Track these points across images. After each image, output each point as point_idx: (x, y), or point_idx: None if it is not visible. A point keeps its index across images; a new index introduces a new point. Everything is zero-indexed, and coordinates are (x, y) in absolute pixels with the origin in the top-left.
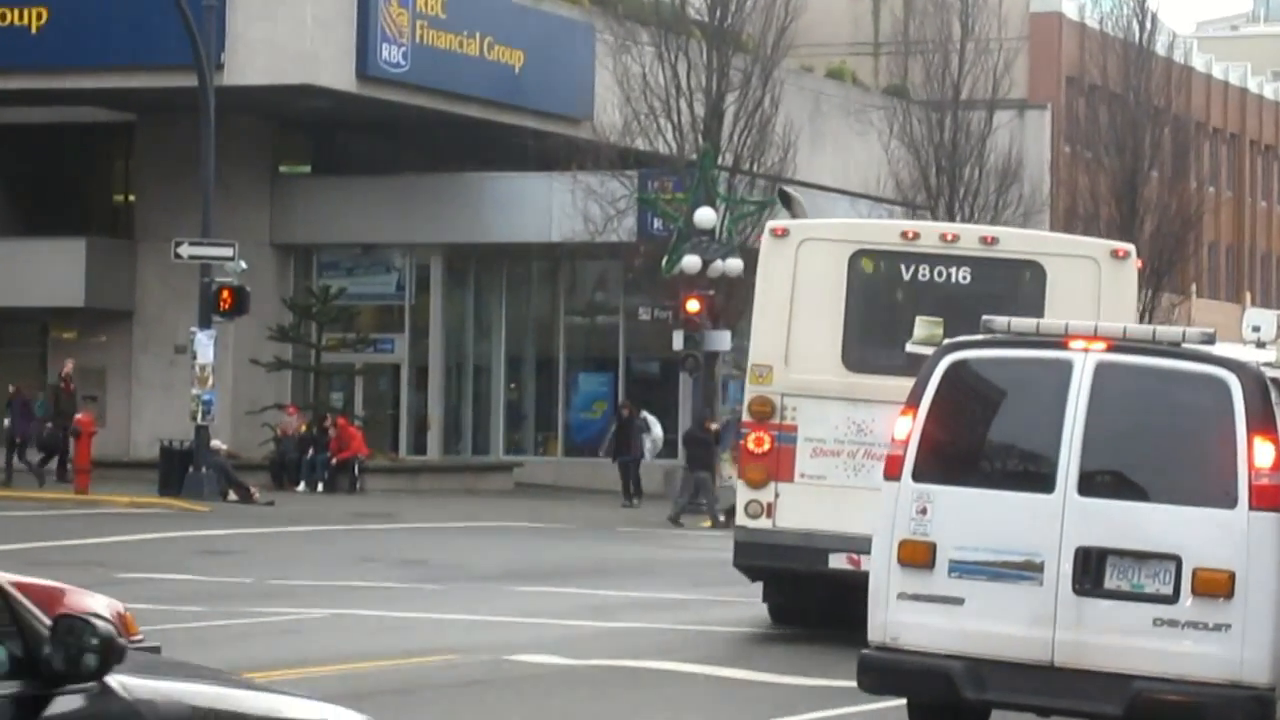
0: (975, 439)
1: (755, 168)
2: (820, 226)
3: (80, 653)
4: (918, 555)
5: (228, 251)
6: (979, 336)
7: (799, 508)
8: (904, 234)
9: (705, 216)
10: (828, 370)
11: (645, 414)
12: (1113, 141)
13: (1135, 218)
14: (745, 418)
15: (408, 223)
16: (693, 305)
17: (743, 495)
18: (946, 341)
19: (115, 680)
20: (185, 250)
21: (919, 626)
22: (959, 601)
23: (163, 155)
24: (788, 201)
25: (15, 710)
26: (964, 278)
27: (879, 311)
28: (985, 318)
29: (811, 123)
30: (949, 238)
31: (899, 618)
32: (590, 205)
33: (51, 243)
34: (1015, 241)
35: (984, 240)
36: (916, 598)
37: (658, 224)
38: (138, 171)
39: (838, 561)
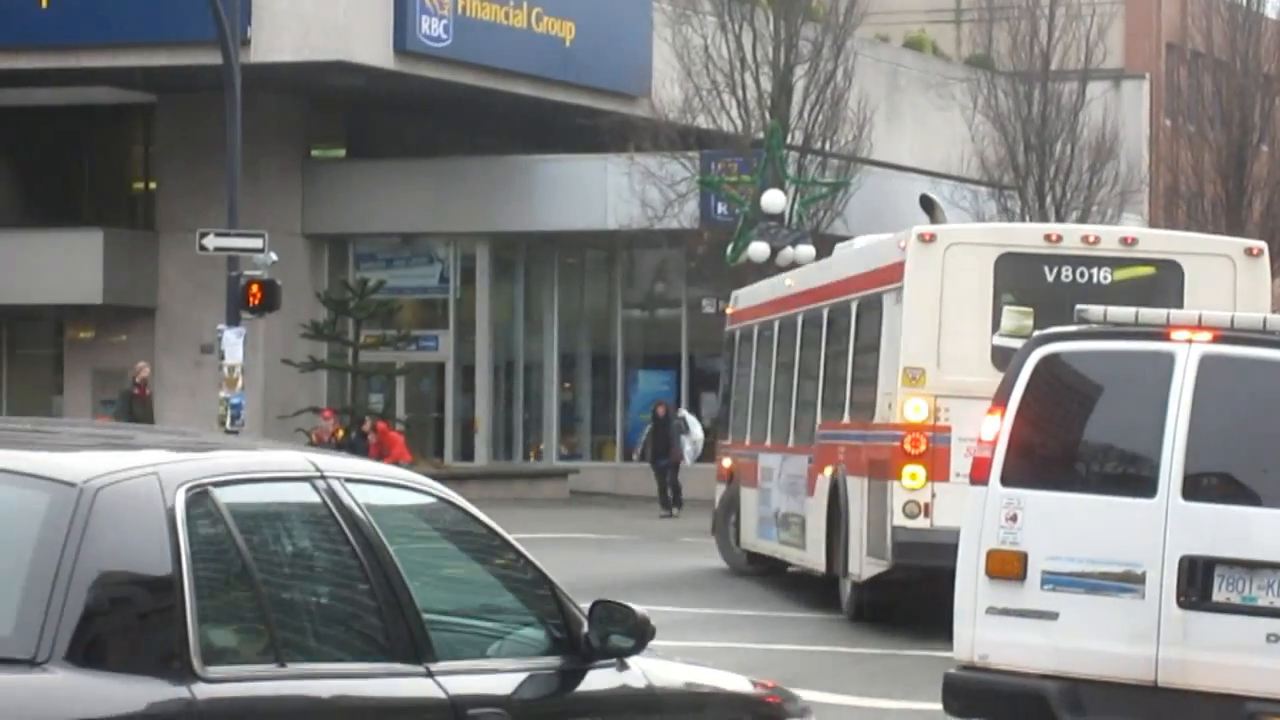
0: (1069, 439)
1: (827, 146)
2: (966, 231)
3: (611, 634)
4: (1007, 566)
5: (256, 243)
6: (1072, 328)
7: (956, 506)
8: (1047, 236)
9: (773, 200)
10: (977, 371)
11: (684, 413)
12: (1218, 113)
13: (1243, 196)
14: (897, 419)
15: (451, 210)
16: None
17: (900, 496)
18: (1037, 334)
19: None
20: (210, 242)
21: (1009, 644)
22: (1053, 616)
23: (185, 139)
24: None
25: (560, 681)
26: (1104, 278)
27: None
28: (1079, 307)
29: (888, 97)
30: (1090, 239)
31: (988, 635)
32: (648, 189)
33: (66, 235)
34: (1153, 241)
35: (1124, 241)
36: (1006, 613)
37: (722, 209)
38: (158, 157)
39: None
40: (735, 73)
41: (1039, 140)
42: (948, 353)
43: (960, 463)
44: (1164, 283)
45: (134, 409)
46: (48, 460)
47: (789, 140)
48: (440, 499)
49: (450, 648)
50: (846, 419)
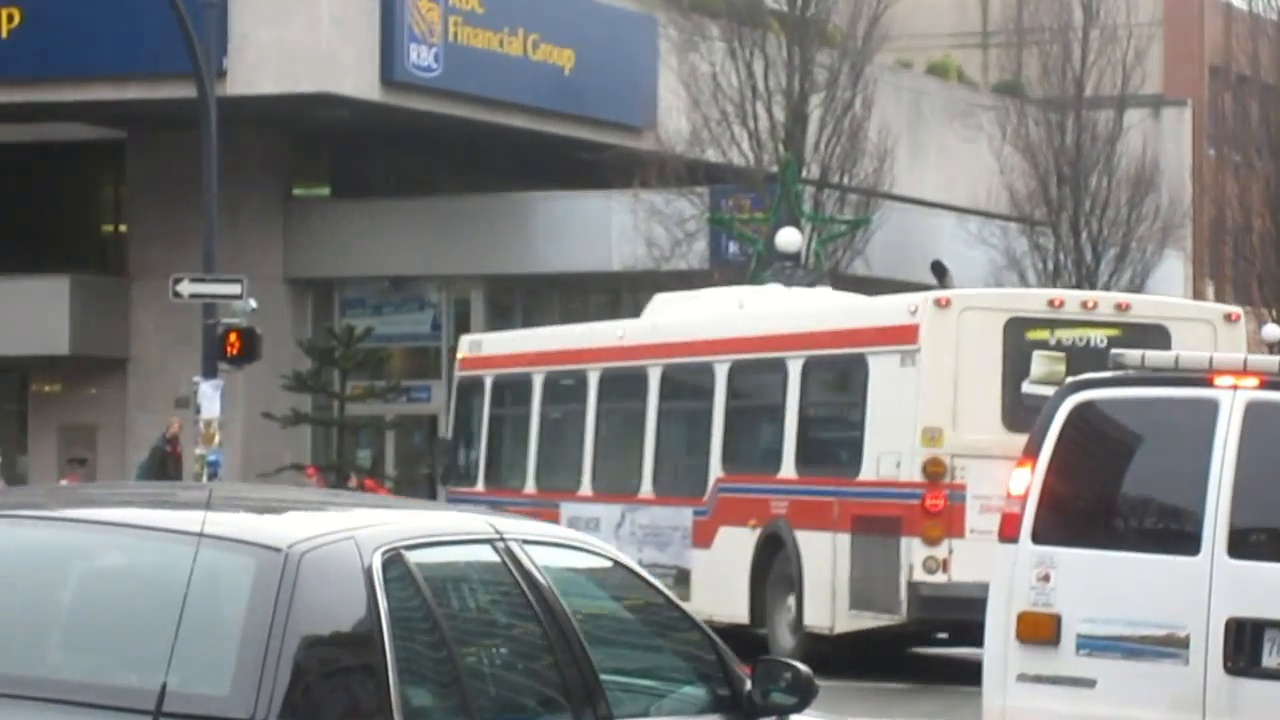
0: (1105, 493)
1: (846, 180)
2: (978, 296)
3: (773, 691)
4: (1040, 629)
5: (235, 289)
6: (1107, 374)
7: (971, 562)
8: (1050, 302)
9: (789, 238)
10: (990, 430)
11: None
12: (1265, 141)
13: None
14: (918, 478)
15: (444, 251)
16: None
17: (920, 552)
18: (1070, 380)
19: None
20: (185, 288)
21: (1043, 713)
22: (1090, 684)
23: (158, 178)
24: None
25: None
26: (1101, 342)
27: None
28: (1115, 352)
29: (910, 127)
30: (1089, 305)
31: (1019, 703)
32: (655, 228)
33: (30, 282)
34: (1144, 307)
35: (1118, 306)
36: (1039, 679)
37: (734, 248)
38: (129, 197)
39: None
40: (746, 102)
41: (1073, 172)
42: (962, 413)
43: (976, 519)
44: (1153, 346)
45: (166, 466)
46: (251, 525)
47: (804, 174)
48: (609, 559)
49: (622, 705)
50: (790, 474)
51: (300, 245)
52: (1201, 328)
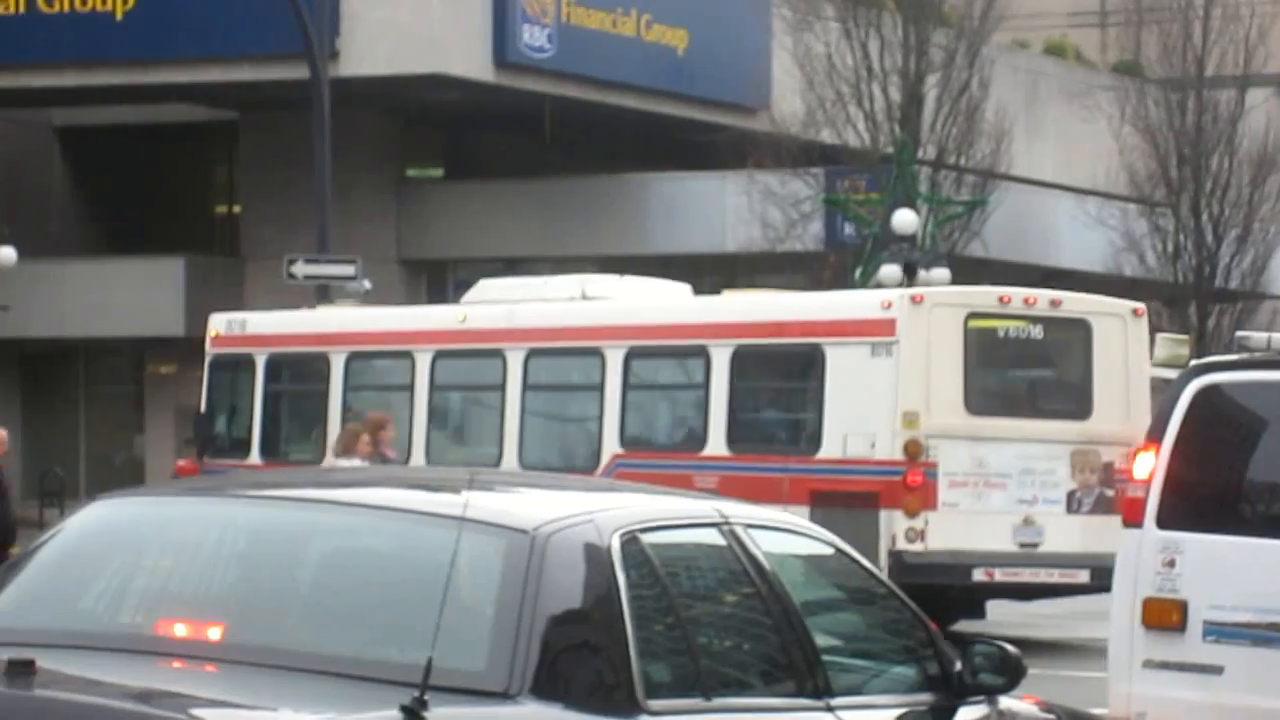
0: (1232, 477)
1: (962, 161)
2: (944, 293)
3: (982, 671)
4: (1166, 616)
5: (349, 269)
6: (1233, 356)
7: (943, 531)
8: (1000, 299)
9: (904, 219)
10: (956, 413)
11: None
12: None
13: None
14: (899, 456)
15: (556, 233)
16: None
17: (902, 523)
18: (1194, 363)
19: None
20: (300, 269)
21: (1169, 700)
22: (1217, 671)
23: (271, 159)
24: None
25: (934, 716)
26: (1038, 334)
27: (986, 363)
28: (1240, 334)
29: (1028, 108)
30: (1030, 301)
31: (1145, 689)
32: (769, 209)
33: (145, 263)
34: (1072, 303)
35: (1052, 303)
36: (1165, 666)
37: (849, 229)
38: (242, 178)
39: (979, 575)
40: (861, 83)
41: (1193, 153)
42: (935, 398)
43: (946, 493)
44: (1080, 336)
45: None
46: (500, 508)
47: (920, 155)
48: (824, 541)
49: (839, 681)
50: (721, 451)
51: (413, 226)
52: (1115, 321)
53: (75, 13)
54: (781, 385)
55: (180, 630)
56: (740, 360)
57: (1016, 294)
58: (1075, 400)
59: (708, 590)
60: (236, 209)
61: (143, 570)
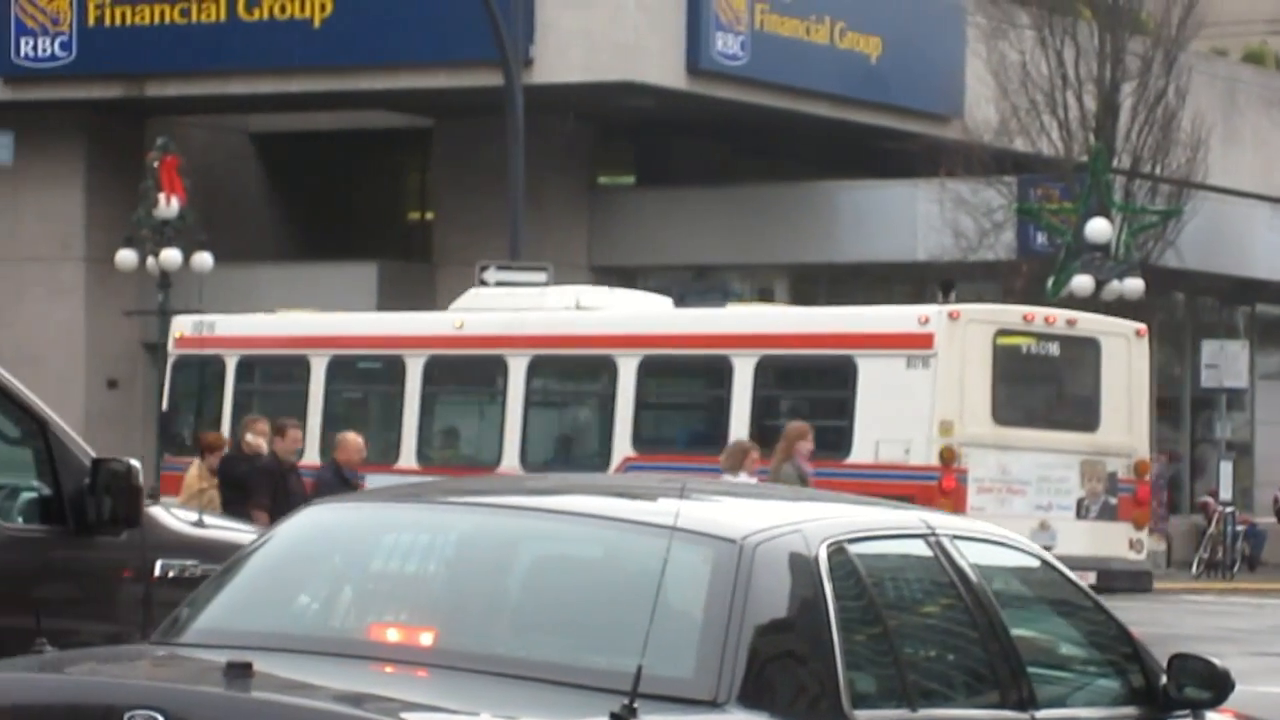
0: None
1: (1158, 170)
2: (975, 310)
3: (1187, 685)
4: None
5: (540, 276)
6: None
7: None
8: (1024, 317)
9: (1098, 229)
10: (984, 423)
11: None
12: None
13: None
14: (934, 462)
15: (747, 240)
16: None
17: None
18: None
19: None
20: (491, 275)
21: None
22: None
23: (464, 166)
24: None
25: None
26: (1055, 351)
27: (1011, 377)
28: None
29: (1225, 117)
30: (1050, 320)
31: None
32: (961, 218)
33: (339, 268)
34: (1086, 323)
35: (1069, 322)
36: None
37: (1042, 238)
38: (435, 185)
39: None
40: (1056, 91)
41: None
42: (967, 408)
43: (974, 498)
44: (1091, 354)
45: None
46: (708, 517)
47: (1115, 164)
48: (1031, 553)
49: (1044, 693)
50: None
51: (604, 233)
52: (1120, 340)
53: (274, 20)
54: (802, 393)
55: (392, 635)
56: (760, 370)
57: (1039, 313)
58: (1086, 413)
59: (913, 601)
60: (429, 215)
61: (354, 575)
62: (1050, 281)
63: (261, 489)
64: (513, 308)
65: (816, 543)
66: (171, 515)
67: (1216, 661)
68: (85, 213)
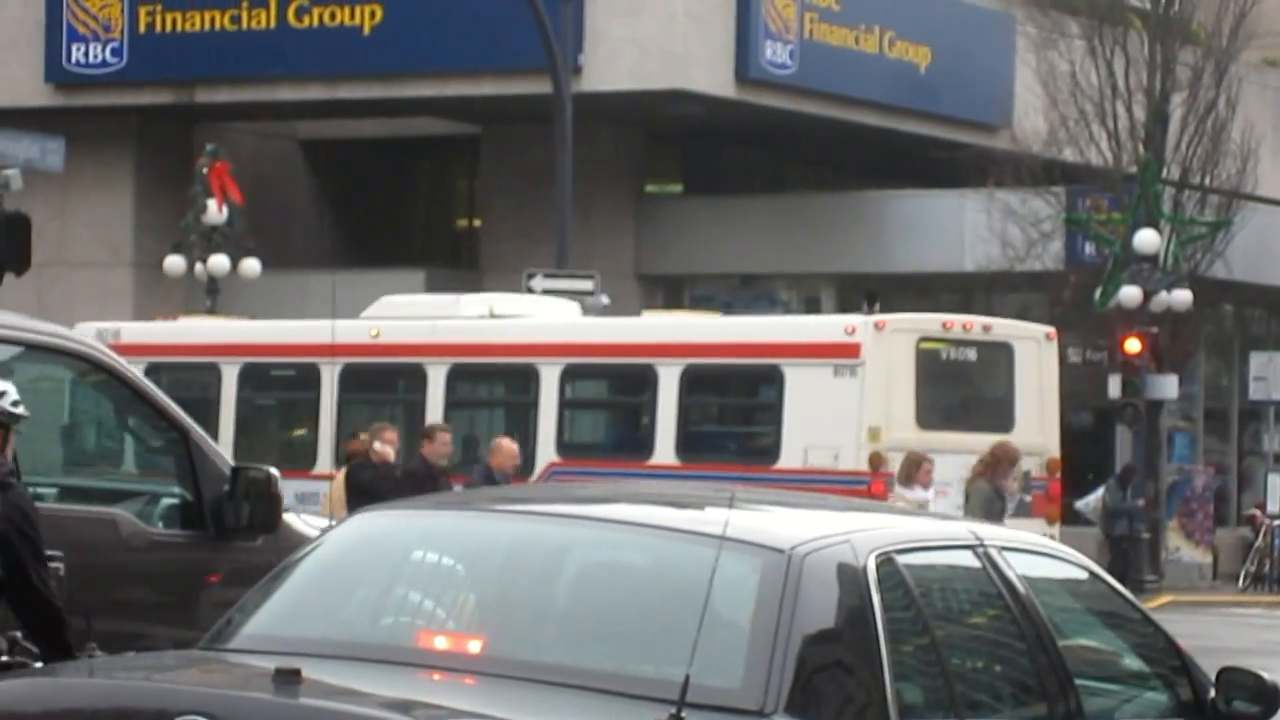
0: None
1: (1208, 181)
2: (900, 320)
3: (1235, 698)
4: None
5: (588, 284)
6: None
7: None
8: (943, 324)
9: (1147, 240)
10: (909, 429)
11: None
12: None
13: None
14: (864, 467)
15: (794, 249)
16: (1132, 345)
17: None
18: None
19: None
20: (539, 283)
21: None
22: None
23: (512, 173)
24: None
25: None
26: (972, 356)
27: (933, 382)
28: None
29: (1275, 128)
30: (967, 327)
31: None
32: (1009, 228)
33: (386, 275)
34: (999, 329)
35: (984, 328)
36: None
37: (1090, 249)
38: (483, 192)
39: None
40: (1106, 101)
41: None
42: (894, 414)
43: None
44: (1004, 358)
45: None
46: (756, 527)
47: (1164, 175)
48: (1079, 565)
49: (1091, 704)
50: (670, 460)
51: (652, 241)
52: (1031, 344)
53: (324, 27)
54: (727, 400)
55: (440, 643)
56: (686, 377)
57: (957, 320)
58: (1001, 415)
59: (961, 612)
60: (477, 222)
61: (402, 582)
62: (1098, 292)
63: (407, 494)
64: (427, 316)
65: (865, 553)
66: (305, 522)
67: (1265, 675)
68: (134, 219)
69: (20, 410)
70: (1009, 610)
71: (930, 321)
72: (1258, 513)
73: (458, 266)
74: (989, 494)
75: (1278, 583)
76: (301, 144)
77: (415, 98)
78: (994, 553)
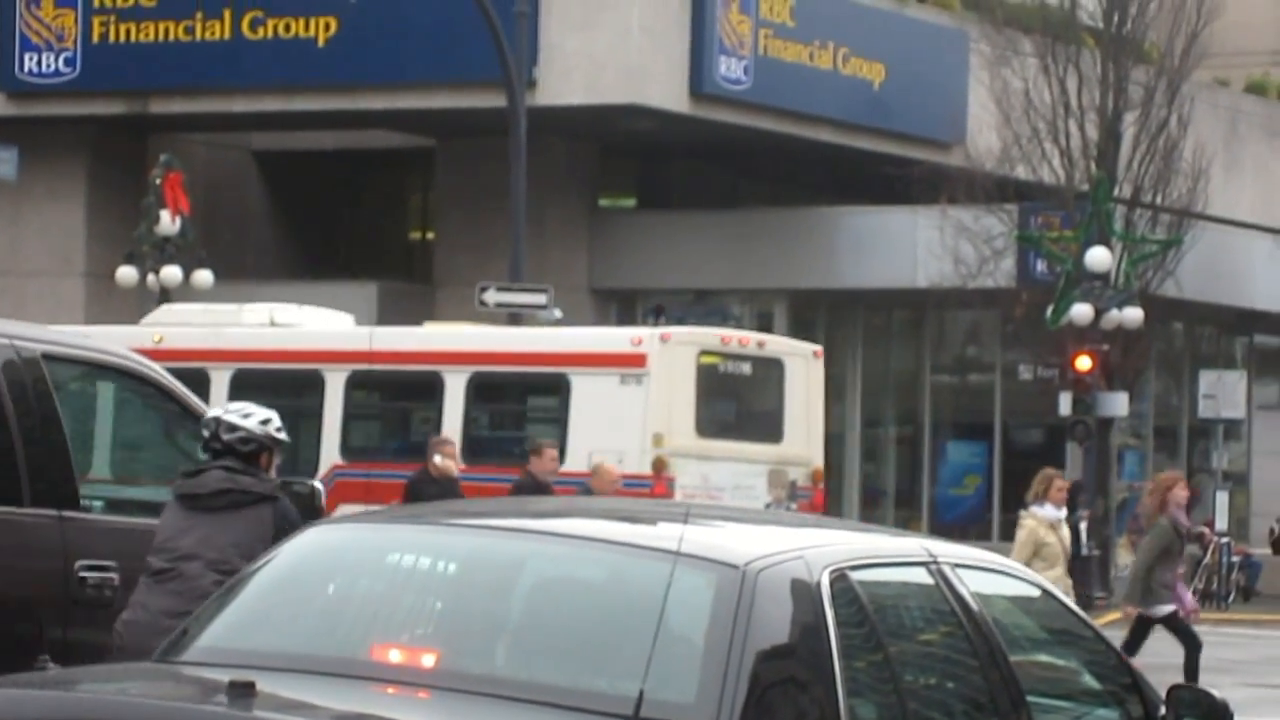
0: None
1: (1159, 200)
2: (682, 333)
3: (1185, 716)
4: None
5: (540, 298)
6: None
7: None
8: (721, 339)
9: (1099, 258)
10: (688, 436)
11: None
12: None
13: None
14: (647, 471)
15: (748, 265)
16: (1083, 362)
17: None
18: None
19: None
20: (491, 296)
21: None
22: None
23: (466, 186)
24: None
25: None
26: (747, 370)
27: (711, 393)
28: None
29: (1227, 146)
30: (744, 342)
31: None
32: (962, 244)
33: (339, 287)
34: (773, 345)
35: (759, 344)
36: None
37: (1042, 266)
38: (437, 205)
39: None
40: (1059, 119)
41: None
42: (676, 422)
43: None
44: (776, 374)
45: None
46: (710, 542)
47: (1116, 193)
48: (1031, 582)
49: None
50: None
51: (605, 255)
52: (800, 360)
53: (279, 39)
54: (522, 407)
55: (394, 656)
56: (472, 384)
57: (734, 335)
58: (771, 426)
59: (914, 628)
60: (431, 235)
61: (358, 595)
62: (1050, 310)
63: None
64: (210, 323)
65: (819, 569)
66: None
67: (1215, 693)
68: (87, 228)
69: (283, 436)
70: (962, 627)
71: (710, 336)
72: (1206, 530)
73: (411, 279)
74: (1168, 531)
75: (1226, 600)
76: (255, 155)
77: (370, 110)
78: (947, 570)
